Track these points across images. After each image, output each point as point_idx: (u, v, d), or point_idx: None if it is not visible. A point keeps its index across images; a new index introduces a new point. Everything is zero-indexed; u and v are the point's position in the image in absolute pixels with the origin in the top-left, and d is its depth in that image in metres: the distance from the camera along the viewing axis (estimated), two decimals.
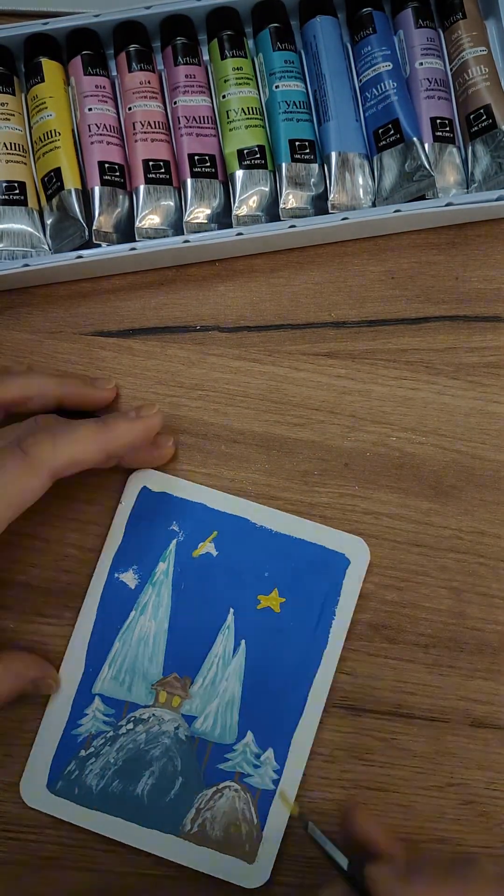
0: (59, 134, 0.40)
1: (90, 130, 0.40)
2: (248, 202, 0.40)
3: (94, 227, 0.39)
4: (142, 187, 0.39)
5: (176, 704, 0.37)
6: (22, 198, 0.39)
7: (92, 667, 0.37)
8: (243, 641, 0.37)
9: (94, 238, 0.39)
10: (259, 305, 0.41)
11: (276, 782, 0.36)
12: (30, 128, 0.41)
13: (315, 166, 0.40)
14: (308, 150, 0.40)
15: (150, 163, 0.40)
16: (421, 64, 0.41)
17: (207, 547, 0.38)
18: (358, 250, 0.42)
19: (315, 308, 0.41)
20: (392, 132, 0.40)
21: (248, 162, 0.40)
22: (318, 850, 0.31)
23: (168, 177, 0.40)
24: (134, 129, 0.40)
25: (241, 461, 0.39)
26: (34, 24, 0.41)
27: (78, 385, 0.38)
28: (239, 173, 0.40)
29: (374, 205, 0.41)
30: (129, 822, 0.36)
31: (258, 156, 0.40)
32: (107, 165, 0.39)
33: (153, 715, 0.36)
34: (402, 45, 0.41)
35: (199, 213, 0.40)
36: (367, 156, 0.41)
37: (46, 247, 0.40)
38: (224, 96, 0.41)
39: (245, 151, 0.40)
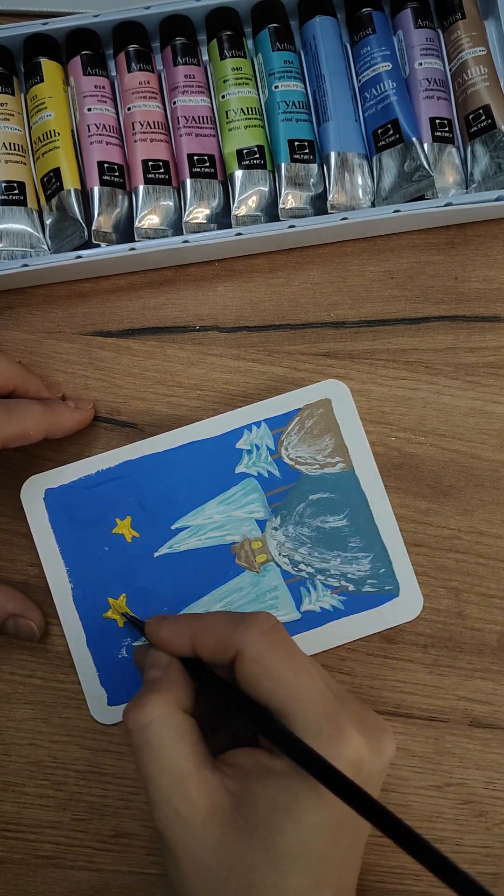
0: (59, 134, 0.40)
1: (89, 130, 0.40)
2: (247, 202, 0.40)
3: (93, 228, 0.39)
4: (141, 187, 0.39)
5: None
6: (21, 198, 0.39)
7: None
8: None
9: (93, 238, 0.39)
10: (258, 305, 0.41)
11: None
12: (29, 128, 0.41)
13: (314, 166, 0.40)
14: (307, 151, 0.40)
15: (150, 163, 0.40)
16: (420, 64, 0.41)
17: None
18: (357, 250, 0.42)
19: (314, 308, 0.41)
20: (391, 132, 0.40)
21: (247, 162, 0.40)
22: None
23: (167, 177, 0.40)
24: (133, 129, 0.40)
25: None
26: (34, 24, 0.41)
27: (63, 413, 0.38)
28: (238, 173, 0.40)
29: (373, 205, 0.41)
30: None
31: (257, 156, 0.40)
32: (106, 165, 0.39)
33: None
34: (402, 45, 0.41)
35: (199, 213, 0.40)
36: (367, 156, 0.41)
37: (46, 247, 0.40)
38: (223, 96, 0.41)
39: (244, 151, 0.40)
